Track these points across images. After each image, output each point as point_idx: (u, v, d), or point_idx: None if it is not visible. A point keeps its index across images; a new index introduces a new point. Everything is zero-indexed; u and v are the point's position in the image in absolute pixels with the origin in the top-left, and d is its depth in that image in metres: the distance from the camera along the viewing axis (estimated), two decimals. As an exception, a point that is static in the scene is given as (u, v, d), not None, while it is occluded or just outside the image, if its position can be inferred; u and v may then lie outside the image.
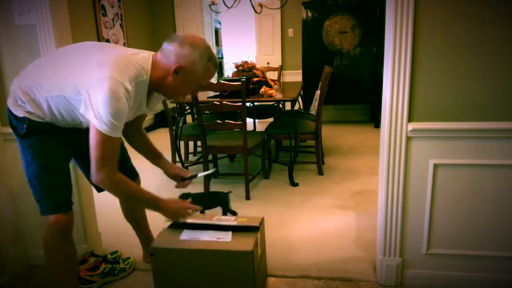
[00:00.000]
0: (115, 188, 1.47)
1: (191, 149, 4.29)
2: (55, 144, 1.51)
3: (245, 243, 1.66)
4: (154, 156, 1.86)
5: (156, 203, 1.61)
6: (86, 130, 1.39)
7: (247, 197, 3.04)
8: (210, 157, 3.35)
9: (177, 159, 3.63)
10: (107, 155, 1.38)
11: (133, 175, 1.88)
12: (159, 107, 4.41)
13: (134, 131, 1.79)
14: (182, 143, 4.00)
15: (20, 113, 1.46)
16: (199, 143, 3.97)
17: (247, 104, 3.21)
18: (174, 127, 3.51)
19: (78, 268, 1.89)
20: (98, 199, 2.22)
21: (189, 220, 1.79)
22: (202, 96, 3.51)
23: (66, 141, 1.56)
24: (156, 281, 1.74)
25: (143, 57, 1.42)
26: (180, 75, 1.42)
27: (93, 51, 1.44)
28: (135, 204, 1.89)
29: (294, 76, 5.70)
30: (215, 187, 3.30)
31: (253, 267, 1.64)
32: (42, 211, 1.52)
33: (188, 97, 3.41)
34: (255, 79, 3.64)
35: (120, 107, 1.31)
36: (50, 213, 1.51)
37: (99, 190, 1.79)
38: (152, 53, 1.46)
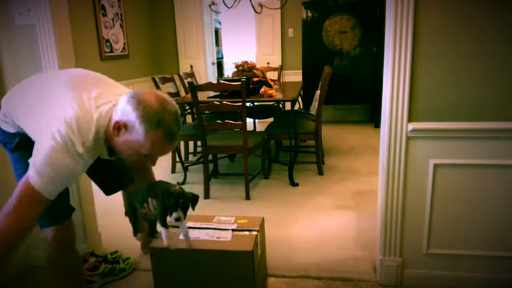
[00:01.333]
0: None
1: (191, 149, 4.29)
2: None
3: (245, 243, 1.66)
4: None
5: None
6: None
7: (247, 197, 3.04)
8: (210, 157, 3.35)
9: (177, 159, 3.63)
10: (22, 216, 1.14)
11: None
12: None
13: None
14: (182, 143, 4.00)
15: (9, 129, 1.40)
16: (199, 143, 3.97)
17: (247, 104, 3.21)
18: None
19: (83, 280, 1.84)
20: (98, 199, 2.22)
21: (190, 224, 1.79)
22: (202, 96, 3.51)
23: None
24: (156, 281, 1.74)
25: (106, 110, 1.22)
26: (121, 135, 1.18)
27: (63, 92, 1.26)
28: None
29: (294, 76, 5.70)
30: (215, 187, 3.30)
31: (253, 267, 1.64)
32: (39, 224, 1.42)
33: (188, 96, 3.42)
34: (255, 79, 3.65)
35: (62, 165, 1.14)
36: (48, 226, 1.44)
37: (108, 193, 1.80)
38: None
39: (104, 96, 1.26)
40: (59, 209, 1.44)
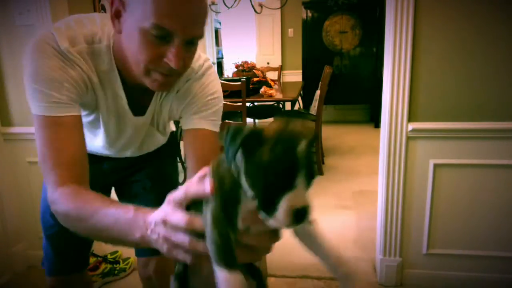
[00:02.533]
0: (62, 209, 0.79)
1: (191, 149, 4.29)
2: None
3: None
4: None
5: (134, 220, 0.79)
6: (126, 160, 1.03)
7: (247, 197, 3.03)
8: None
9: (177, 159, 3.62)
10: (50, 154, 0.80)
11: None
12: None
13: None
14: (182, 143, 3.99)
15: None
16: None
17: (247, 104, 3.21)
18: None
19: None
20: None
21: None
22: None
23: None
24: None
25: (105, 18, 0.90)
26: (122, 23, 0.81)
27: None
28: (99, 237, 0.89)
29: (294, 76, 5.70)
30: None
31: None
32: (45, 271, 1.16)
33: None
34: (255, 79, 3.65)
35: (44, 65, 0.80)
36: (49, 275, 1.15)
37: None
38: None
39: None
40: (73, 257, 1.14)
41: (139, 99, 0.96)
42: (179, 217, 0.61)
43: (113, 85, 0.91)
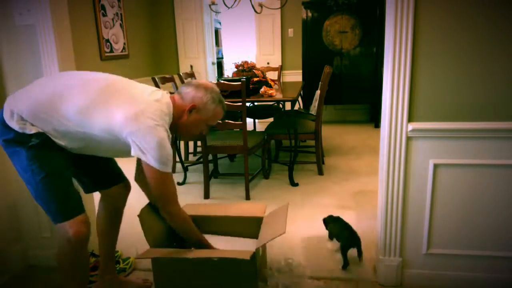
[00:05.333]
0: (180, 224, 1.68)
1: (191, 149, 4.29)
2: (60, 153, 1.50)
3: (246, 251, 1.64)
4: None
5: (202, 246, 1.74)
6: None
7: (247, 197, 3.04)
8: (210, 157, 3.35)
9: (177, 159, 3.63)
10: (173, 192, 1.59)
11: (122, 178, 1.82)
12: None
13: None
14: (182, 143, 4.00)
15: (31, 130, 1.43)
16: (199, 143, 3.97)
17: (247, 104, 3.21)
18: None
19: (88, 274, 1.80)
20: (97, 199, 2.22)
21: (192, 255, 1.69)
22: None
23: (69, 152, 1.54)
24: None
25: (166, 102, 1.55)
26: (193, 114, 1.60)
27: (122, 93, 1.52)
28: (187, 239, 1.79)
29: (294, 76, 5.70)
30: (215, 187, 3.30)
31: (255, 274, 1.64)
32: (56, 219, 1.48)
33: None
34: (255, 79, 3.64)
35: (169, 147, 1.49)
36: (65, 220, 1.46)
37: (88, 190, 1.80)
38: (168, 95, 1.61)
39: (146, 86, 1.63)
40: (76, 205, 1.51)
41: None
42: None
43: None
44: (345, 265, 2.02)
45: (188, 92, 1.61)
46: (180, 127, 1.62)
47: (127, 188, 1.83)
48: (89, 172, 1.74)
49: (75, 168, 1.64)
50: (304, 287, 1.91)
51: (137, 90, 1.56)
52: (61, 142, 1.48)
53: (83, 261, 1.58)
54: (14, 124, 1.42)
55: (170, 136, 1.54)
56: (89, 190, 1.79)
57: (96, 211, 1.87)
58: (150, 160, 1.45)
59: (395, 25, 1.60)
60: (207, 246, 1.74)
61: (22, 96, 1.48)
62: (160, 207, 1.61)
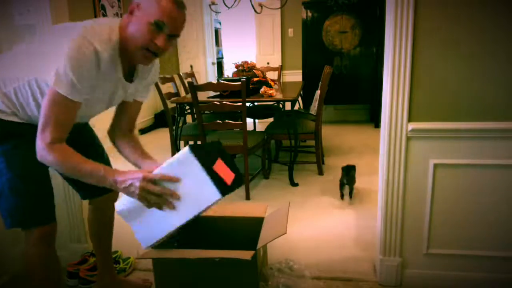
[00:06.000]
0: (53, 158, 1.22)
1: (191, 149, 4.29)
2: (32, 151, 1.27)
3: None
4: (142, 157, 1.52)
5: (104, 176, 1.25)
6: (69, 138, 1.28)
7: (247, 197, 3.03)
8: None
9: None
10: (57, 120, 1.20)
11: (101, 150, 1.64)
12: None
13: (122, 133, 1.54)
14: (182, 143, 4.00)
15: None
16: (199, 143, 3.97)
17: (247, 104, 3.21)
18: (174, 127, 3.51)
19: (62, 279, 1.70)
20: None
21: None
22: (202, 96, 3.51)
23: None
24: None
25: (109, 22, 1.29)
26: (133, 17, 1.25)
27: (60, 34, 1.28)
28: (80, 178, 1.31)
29: (294, 76, 5.70)
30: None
31: (256, 274, 1.64)
32: (19, 224, 1.36)
33: (188, 96, 3.41)
34: (255, 79, 3.64)
35: (82, 62, 1.18)
36: (31, 227, 1.36)
37: (85, 197, 1.71)
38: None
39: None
40: (45, 211, 1.39)
41: (128, 76, 1.44)
42: (157, 173, 1.28)
43: (116, 70, 1.34)
44: (341, 196, 2.92)
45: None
46: (127, 42, 1.27)
47: (116, 194, 1.72)
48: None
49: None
50: (304, 287, 1.91)
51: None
52: (22, 120, 1.32)
53: (53, 267, 1.48)
54: None
55: (103, 57, 1.23)
56: (82, 196, 1.72)
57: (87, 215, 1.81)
58: (54, 79, 1.17)
59: (395, 25, 1.60)
60: (112, 180, 1.25)
61: None
62: (37, 136, 1.22)
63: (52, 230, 1.42)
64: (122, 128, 1.54)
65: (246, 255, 1.55)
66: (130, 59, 1.35)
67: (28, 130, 1.31)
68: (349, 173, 2.89)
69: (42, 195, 1.39)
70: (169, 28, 1.24)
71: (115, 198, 1.72)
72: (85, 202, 2.13)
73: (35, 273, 1.45)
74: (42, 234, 1.38)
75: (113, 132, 1.54)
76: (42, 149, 1.21)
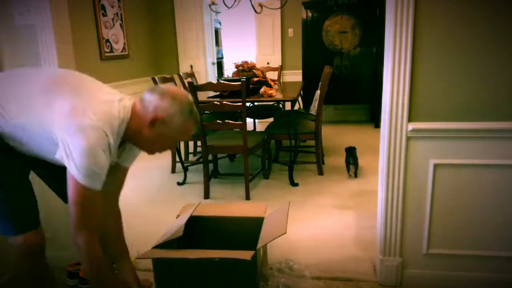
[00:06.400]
0: (89, 261, 1.29)
1: (191, 149, 4.29)
2: (8, 157, 1.32)
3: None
4: (119, 250, 1.64)
5: None
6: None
7: (247, 197, 3.03)
8: (210, 157, 3.35)
9: (177, 159, 3.63)
10: (88, 213, 1.25)
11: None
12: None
13: (110, 203, 1.56)
14: (182, 143, 4.00)
15: None
16: (199, 143, 3.97)
17: (247, 104, 3.21)
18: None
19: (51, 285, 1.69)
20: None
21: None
22: (202, 96, 3.51)
23: (20, 153, 1.36)
24: None
25: (124, 106, 1.31)
26: (156, 128, 1.30)
27: (72, 86, 1.31)
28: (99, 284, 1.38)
29: (294, 76, 5.70)
30: (215, 187, 3.30)
31: (256, 274, 1.64)
32: (5, 232, 1.37)
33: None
34: (255, 79, 3.64)
35: (102, 157, 1.22)
36: (14, 234, 1.36)
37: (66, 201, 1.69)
38: (132, 101, 1.36)
39: (108, 92, 1.37)
40: (26, 218, 1.39)
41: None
42: None
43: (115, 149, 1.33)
44: (348, 172, 3.44)
45: (151, 101, 1.30)
46: (140, 142, 1.37)
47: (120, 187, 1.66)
48: (55, 182, 1.55)
49: (42, 178, 1.55)
50: (304, 287, 1.91)
51: (93, 85, 1.35)
52: (7, 142, 1.32)
53: (41, 274, 1.49)
54: None
55: (114, 146, 1.28)
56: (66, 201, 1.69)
57: None
58: (72, 167, 1.19)
59: (395, 25, 1.60)
60: None
61: None
62: (72, 233, 1.25)
63: (37, 236, 1.40)
64: (108, 195, 1.50)
65: (246, 255, 1.55)
66: (132, 143, 1.42)
67: (5, 145, 1.32)
68: (352, 153, 3.40)
69: (22, 201, 1.38)
70: (183, 140, 1.45)
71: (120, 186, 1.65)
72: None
73: (22, 280, 1.48)
74: (26, 241, 1.38)
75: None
76: (86, 253, 1.26)
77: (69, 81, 1.34)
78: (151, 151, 1.42)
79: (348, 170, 3.46)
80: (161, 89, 1.34)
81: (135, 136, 1.34)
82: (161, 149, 1.41)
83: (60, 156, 1.21)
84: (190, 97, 1.37)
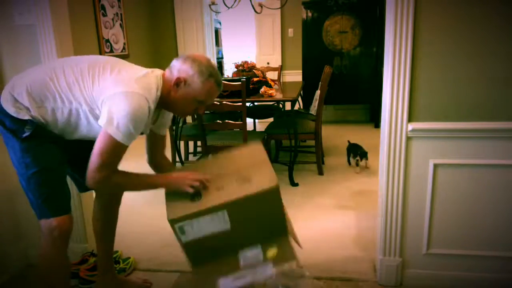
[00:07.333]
0: (118, 186, 1.56)
1: (191, 149, 4.29)
2: (55, 147, 1.48)
3: (267, 178, 1.64)
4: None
5: (156, 183, 1.57)
6: (86, 141, 1.47)
7: (247, 197, 3.03)
8: (210, 157, 3.34)
9: (177, 159, 3.62)
10: (113, 161, 1.41)
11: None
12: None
13: (160, 158, 1.79)
14: (182, 143, 3.99)
15: (24, 116, 1.40)
16: (199, 143, 3.97)
17: (247, 104, 3.21)
18: (174, 127, 3.51)
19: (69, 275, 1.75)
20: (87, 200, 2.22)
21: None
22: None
23: (64, 145, 1.53)
24: (187, 251, 1.53)
25: (156, 75, 1.50)
26: (180, 89, 1.48)
27: (113, 66, 1.48)
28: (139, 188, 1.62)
29: (294, 76, 5.70)
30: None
31: (280, 200, 1.63)
32: (42, 215, 1.47)
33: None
34: (255, 79, 3.64)
35: (141, 120, 1.39)
36: (52, 216, 1.45)
37: (83, 189, 1.76)
38: (162, 71, 1.54)
39: (140, 68, 1.56)
40: (64, 202, 1.50)
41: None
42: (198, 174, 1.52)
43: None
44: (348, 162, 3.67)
45: (175, 65, 1.49)
46: (170, 104, 1.53)
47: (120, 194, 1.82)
48: (83, 169, 1.64)
49: (70, 165, 1.63)
50: (304, 287, 1.91)
51: (127, 64, 1.55)
52: (52, 129, 1.46)
53: (65, 259, 1.56)
54: (9, 107, 1.41)
55: (152, 110, 1.46)
56: (83, 188, 1.74)
57: (92, 212, 1.85)
58: (114, 130, 1.35)
59: (395, 25, 1.60)
60: (162, 182, 1.56)
61: (19, 79, 1.47)
62: (92, 172, 1.39)
63: (68, 221, 1.49)
64: (157, 155, 1.77)
65: (269, 183, 1.65)
66: (166, 109, 1.61)
67: (50, 133, 1.47)
68: (358, 151, 3.56)
69: (62, 187, 1.51)
70: (209, 102, 1.55)
71: (119, 198, 1.82)
72: (86, 203, 2.14)
73: (49, 265, 1.55)
74: (59, 224, 1.46)
75: (151, 157, 1.77)
76: (102, 181, 1.41)
77: (108, 62, 1.51)
78: (181, 113, 1.65)
79: (357, 164, 3.57)
80: (185, 54, 1.52)
81: (166, 100, 1.50)
82: (189, 110, 1.56)
83: (102, 122, 1.36)
84: (211, 61, 1.53)
